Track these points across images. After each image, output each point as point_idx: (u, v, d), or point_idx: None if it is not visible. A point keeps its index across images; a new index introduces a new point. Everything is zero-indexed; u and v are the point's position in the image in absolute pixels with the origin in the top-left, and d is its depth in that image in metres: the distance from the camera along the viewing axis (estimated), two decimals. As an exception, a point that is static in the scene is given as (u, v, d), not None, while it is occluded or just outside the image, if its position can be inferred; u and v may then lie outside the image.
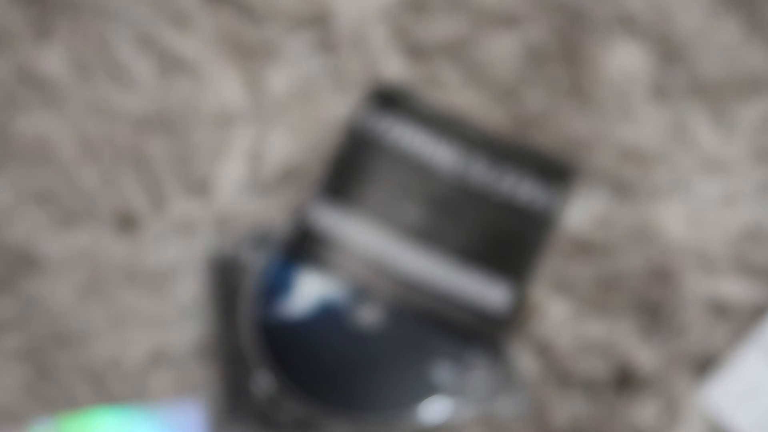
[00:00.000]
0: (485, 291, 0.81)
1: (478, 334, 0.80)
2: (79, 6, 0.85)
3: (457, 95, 0.84)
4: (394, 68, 0.85)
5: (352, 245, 0.81)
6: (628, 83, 0.85)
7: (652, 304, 0.81)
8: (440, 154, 0.82)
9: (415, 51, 0.85)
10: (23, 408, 0.79)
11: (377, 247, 0.80)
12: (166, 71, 0.84)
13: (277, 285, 0.80)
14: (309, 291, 0.80)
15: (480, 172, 0.82)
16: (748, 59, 0.85)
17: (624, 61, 0.85)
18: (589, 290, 0.82)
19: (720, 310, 0.81)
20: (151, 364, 0.80)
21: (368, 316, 0.80)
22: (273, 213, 0.82)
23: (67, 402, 0.79)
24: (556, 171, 0.83)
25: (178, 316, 0.81)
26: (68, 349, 0.80)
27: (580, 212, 0.83)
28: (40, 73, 0.84)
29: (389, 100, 0.83)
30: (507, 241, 0.81)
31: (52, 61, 0.84)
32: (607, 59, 0.85)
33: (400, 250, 0.81)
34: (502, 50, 0.85)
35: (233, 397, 0.78)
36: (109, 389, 0.79)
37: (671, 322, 0.81)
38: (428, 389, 0.79)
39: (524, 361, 0.80)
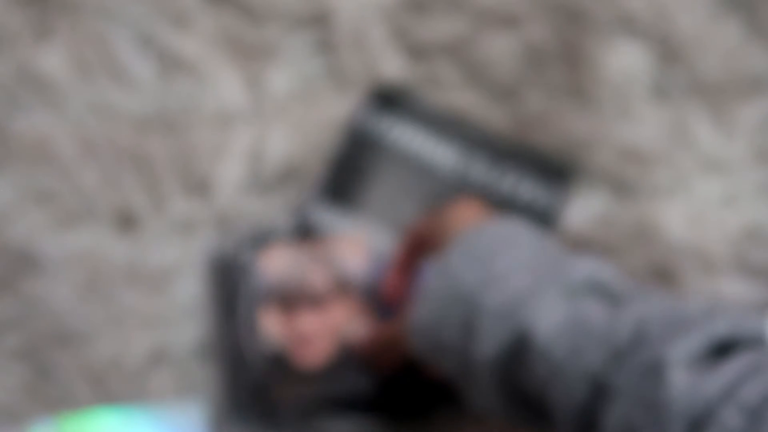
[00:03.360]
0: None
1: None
2: (79, 6, 0.85)
3: (457, 95, 0.84)
4: (394, 68, 0.85)
5: (352, 245, 0.81)
6: (628, 83, 0.85)
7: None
8: (440, 154, 0.82)
9: (415, 51, 0.85)
10: (23, 408, 0.79)
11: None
12: (166, 71, 0.84)
13: (277, 285, 0.80)
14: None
15: (480, 172, 0.82)
16: (748, 59, 0.85)
17: (624, 61, 0.85)
18: (589, 290, 0.82)
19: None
20: (151, 364, 0.80)
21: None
22: (273, 213, 0.82)
23: (67, 402, 0.79)
24: (556, 171, 0.83)
25: (178, 316, 0.81)
26: (68, 349, 0.80)
27: (581, 212, 0.83)
28: (40, 73, 0.84)
29: (389, 100, 0.83)
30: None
31: (52, 61, 0.84)
32: (607, 59, 0.85)
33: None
34: (502, 50, 0.85)
35: (233, 397, 0.78)
36: (109, 389, 0.79)
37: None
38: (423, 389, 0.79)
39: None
